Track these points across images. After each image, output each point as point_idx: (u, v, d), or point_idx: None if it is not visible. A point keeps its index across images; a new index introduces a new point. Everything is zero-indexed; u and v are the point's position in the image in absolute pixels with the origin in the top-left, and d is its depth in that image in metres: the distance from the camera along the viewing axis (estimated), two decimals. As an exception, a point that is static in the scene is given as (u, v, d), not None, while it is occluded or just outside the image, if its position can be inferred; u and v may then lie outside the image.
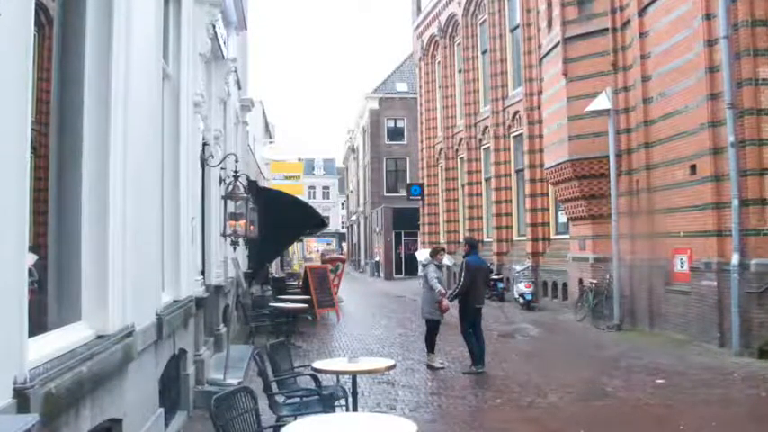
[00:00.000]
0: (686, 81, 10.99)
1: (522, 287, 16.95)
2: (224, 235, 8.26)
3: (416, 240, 31.92)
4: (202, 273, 8.21)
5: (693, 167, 10.85)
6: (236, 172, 8.01)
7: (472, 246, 9.81)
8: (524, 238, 18.74)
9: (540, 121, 16.91)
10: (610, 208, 13.23)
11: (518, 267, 17.95)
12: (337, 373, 5.86)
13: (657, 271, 11.95)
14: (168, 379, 5.49)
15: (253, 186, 12.13)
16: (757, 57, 9.66)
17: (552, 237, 17.76)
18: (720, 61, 9.95)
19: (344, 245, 57.32)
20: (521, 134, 19.04)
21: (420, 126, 28.77)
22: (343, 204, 66.31)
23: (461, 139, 23.86)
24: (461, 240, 21.08)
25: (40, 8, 3.29)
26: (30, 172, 2.67)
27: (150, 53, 4.90)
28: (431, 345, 9.32)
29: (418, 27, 28.46)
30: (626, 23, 13.04)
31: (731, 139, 9.69)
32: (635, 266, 12.68)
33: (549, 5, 14.88)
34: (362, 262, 44.81)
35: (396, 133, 37.93)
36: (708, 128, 10.31)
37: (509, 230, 20.21)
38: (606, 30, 13.41)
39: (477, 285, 9.17)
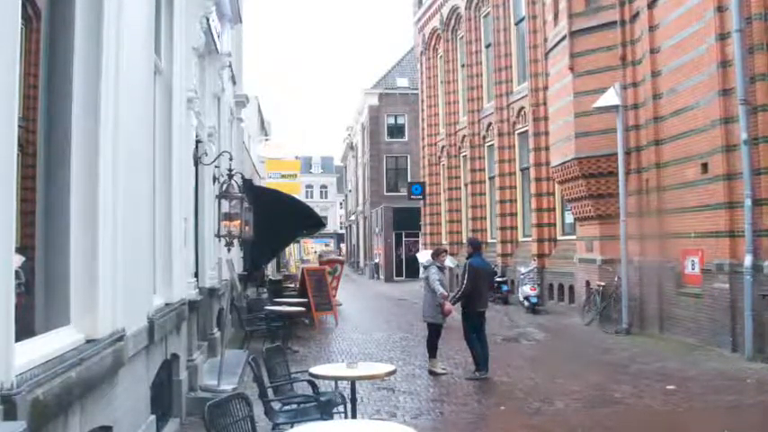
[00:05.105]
0: (697, 76, 10.83)
1: (527, 290, 16.82)
2: (218, 236, 8.29)
3: (418, 241, 31.74)
4: (195, 275, 8.16)
5: (705, 166, 10.69)
6: (230, 170, 7.94)
7: (475, 247, 9.67)
8: (530, 238, 18.57)
9: (546, 118, 16.74)
10: (618, 208, 13.06)
11: (523, 269, 17.76)
12: (336, 378, 5.76)
13: (668, 273, 11.79)
14: (160, 385, 5.43)
15: (248, 185, 11.98)
16: (771, 51, 9.48)
17: (558, 237, 17.59)
18: (733, 55, 9.79)
19: (343, 246, 57.25)
20: (526, 131, 18.81)
21: (421, 123, 28.56)
22: (341, 204, 66.24)
23: (464, 137, 23.65)
24: (464, 241, 20.86)
25: (28, 0, 3.28)
26: (16, 170, 2.66)
27: (141, 47, 4.83)
28: (432, 349, 9.18)
29: (419, 20, 28.22)
30: (635, 16, 12.87)
31: (744, 136, 9.54)
32: (644, 268, 12.51)
33: (556, -3, 14.69)
34: (362, 264, 44.61)
35: (396, 130, 37.66)
36: (720, 125, 10.16)
37: (514, 231, 20.00)
38: (614, 23, 13.23)
39: (480, 288, 9.05)
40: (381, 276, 35.10)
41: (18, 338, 2.63)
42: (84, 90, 3.59)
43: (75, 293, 3.51)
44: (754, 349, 9.31)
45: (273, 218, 11.97)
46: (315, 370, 5.67)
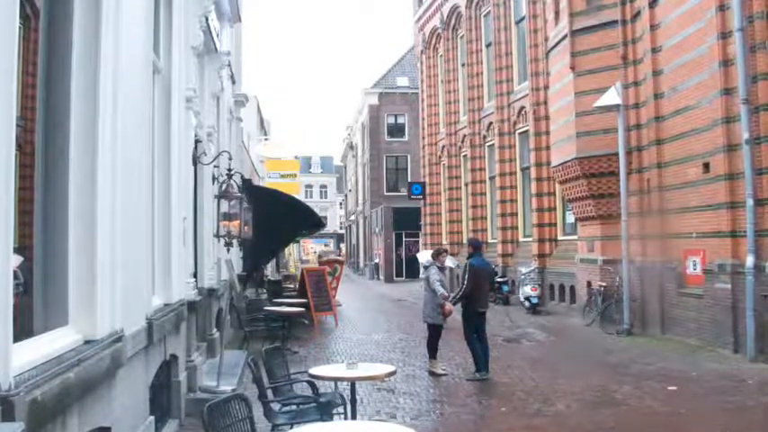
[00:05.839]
0: (699, 75, 10.78)
1: (527, 290, 16.76)
2: (217, 236, 8.19)
3: (418, 241, 31.67)
4: (195, 275, 8.12)
5: (707, 165, 10.64)
6: (229, 170, 7.88)
7: (476, 247, 9.63)
8: (530, 239, 18.50)
9: (547, 117, 16.68)
10: (619, 207, 13.01)
11: (524, 269, 17.69)
12: (335, 379, 5.74)
13: (669, 273, 11.74)
14: (159, 386, 5.41)
15: (247, 185, 11.93)
16: (773, 50, 9.44)
17: (559, 238, 17.51)
18: (734, 55, 9.75)
19: (343, 246, 57.16)
20: (527, 131, 18.75)
21: (421, 122, 28.49)
22: (341, 204, 66.09)
23: (465, 136, 23.58)
24: (465, 241, 20.80)
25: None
26: (14, 170, 2.66)
27: (140, 46, 4.81)
28: (433, 350, 9.14)
29: (420, 19, 28.15)
30: (636, 15, 12.83)
31: (746, 135, 9.51)
32: (646, 269, 12.46)
33: (556, -4, 14.64)
34: (361, 264, 44.49)
35: (396, 130, 37.53)
36: (721, 124, 10.12)
37: (514, 231, 19.92)
38: (616, 22, 13.19)
39: (481, 288, 9.01)
40: (381, 277, 35.01)
41: (16, 339, 2.62)
42: (82, 89, 3.57)
43: (73, 294, 3.49)
44: (756, 350, 9.27)
45: (273, 218, 11.90)
46: (314, 371, 5.65)
